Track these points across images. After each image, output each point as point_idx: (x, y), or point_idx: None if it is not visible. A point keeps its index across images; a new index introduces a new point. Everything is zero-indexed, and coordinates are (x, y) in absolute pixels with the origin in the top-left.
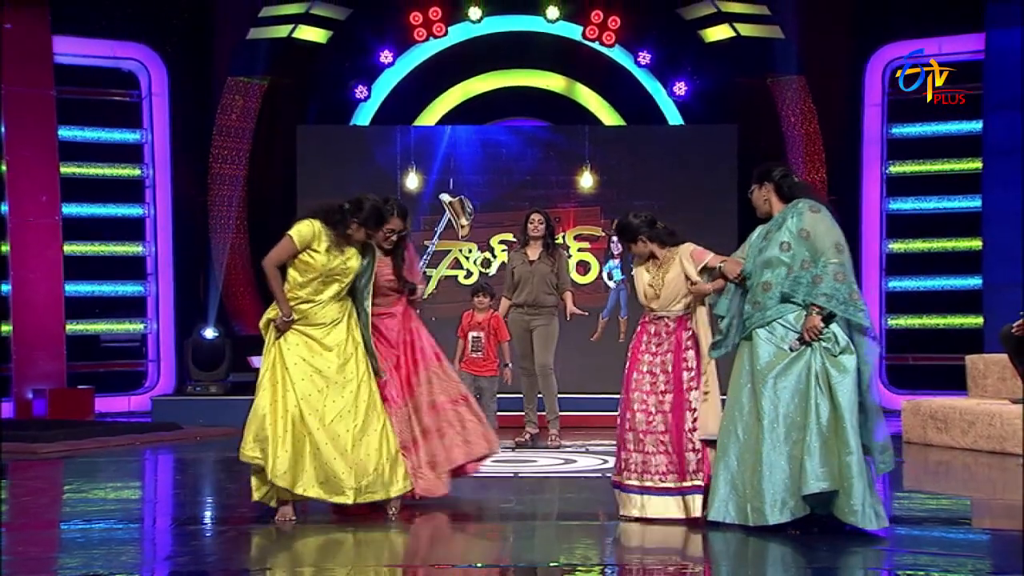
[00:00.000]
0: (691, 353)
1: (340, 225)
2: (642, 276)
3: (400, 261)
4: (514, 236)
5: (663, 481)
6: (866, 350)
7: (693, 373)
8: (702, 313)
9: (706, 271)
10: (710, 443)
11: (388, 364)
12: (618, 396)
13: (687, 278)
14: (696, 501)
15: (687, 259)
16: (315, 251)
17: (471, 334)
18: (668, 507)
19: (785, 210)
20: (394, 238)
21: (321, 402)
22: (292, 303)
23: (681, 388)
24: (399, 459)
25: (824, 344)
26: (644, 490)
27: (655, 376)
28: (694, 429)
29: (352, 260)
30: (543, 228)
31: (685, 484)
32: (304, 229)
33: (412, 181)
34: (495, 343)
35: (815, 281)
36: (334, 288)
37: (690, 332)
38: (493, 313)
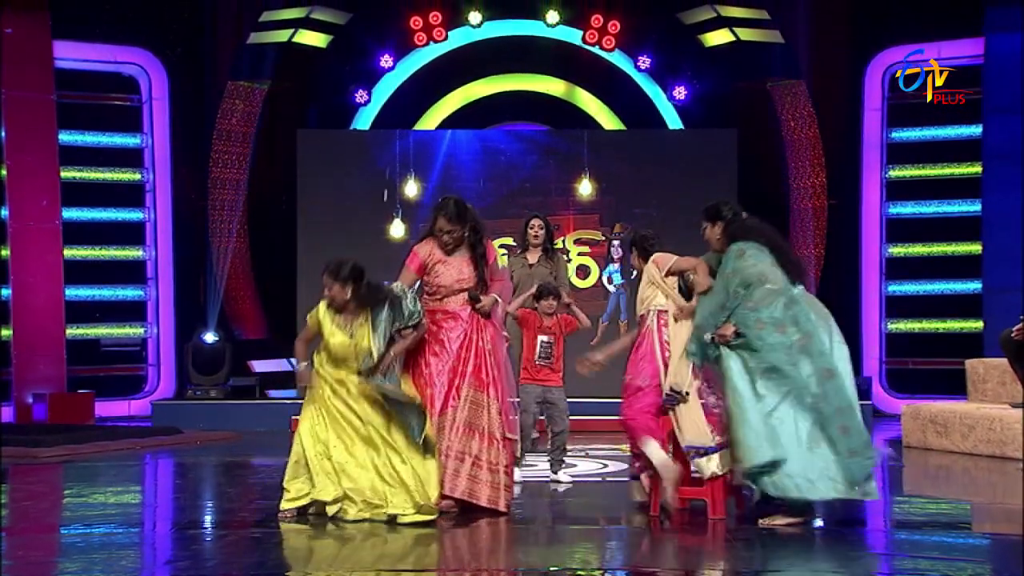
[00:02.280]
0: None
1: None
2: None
3: (480, 261)
4: (514, 240)
5: None
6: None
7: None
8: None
9: (677, 274)
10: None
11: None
12: (617, 400)
13: (651, 283)
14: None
15: (649, 268)
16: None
17: (540, 338)
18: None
19: (727, 251)
20: (446, 239)
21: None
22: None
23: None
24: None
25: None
26: None
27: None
28: None
29: (364, 340)
30: (543, 234)
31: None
32: (314, 312)
33: (412, 186)
34: (563, 348)
35: (749, 308)
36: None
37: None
38: (561, 314)
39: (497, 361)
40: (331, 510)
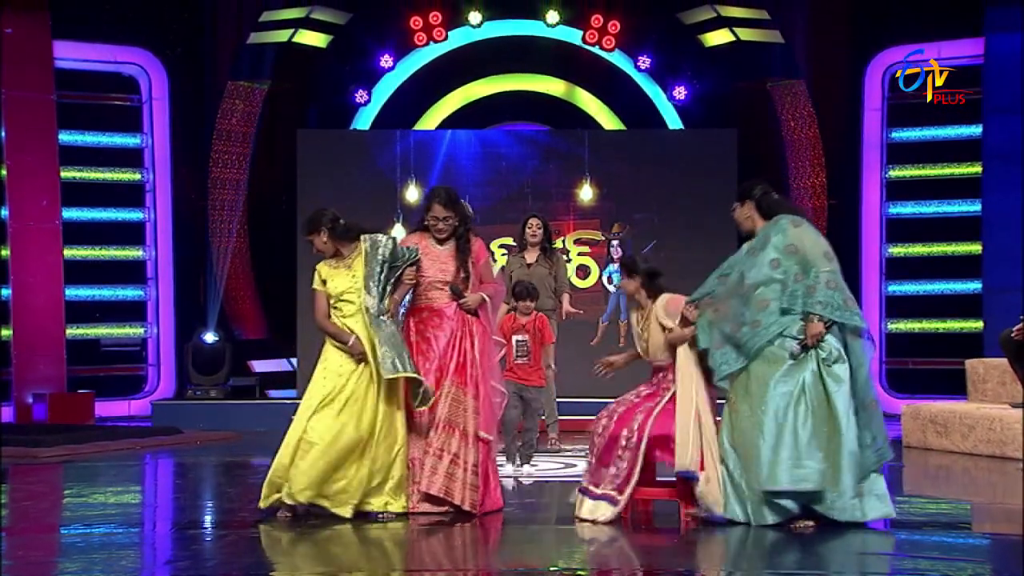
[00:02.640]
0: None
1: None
2: (632, 321)
3: (463, 255)
4: (513, 240)
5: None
6: (861, 350)
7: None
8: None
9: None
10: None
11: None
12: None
13: (663, 328)
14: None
15: (661, 311)
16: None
17: (515, 338)
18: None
19: (767, 227)
20: (440, 226)
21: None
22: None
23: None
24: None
25: (821, 354)
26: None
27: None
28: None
29: (359, 271)
30: (541, 233)
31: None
32: (315, 278)
33: (412, 186)
34: (540, 347)
35: (809, 291)
36: (351, 306)
37: None
38: (538, 315)
39: (482, 361)
40: (303, 497)
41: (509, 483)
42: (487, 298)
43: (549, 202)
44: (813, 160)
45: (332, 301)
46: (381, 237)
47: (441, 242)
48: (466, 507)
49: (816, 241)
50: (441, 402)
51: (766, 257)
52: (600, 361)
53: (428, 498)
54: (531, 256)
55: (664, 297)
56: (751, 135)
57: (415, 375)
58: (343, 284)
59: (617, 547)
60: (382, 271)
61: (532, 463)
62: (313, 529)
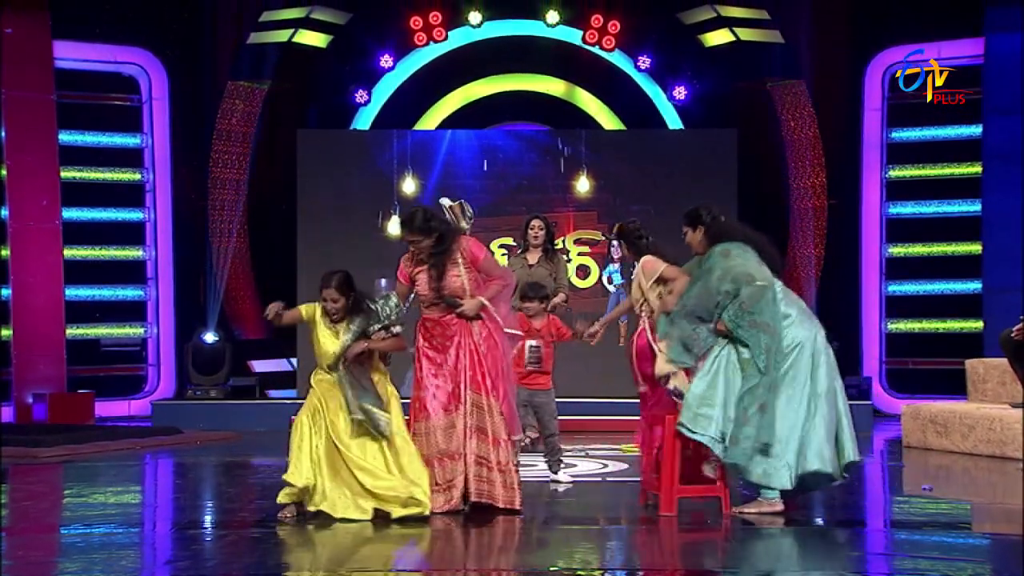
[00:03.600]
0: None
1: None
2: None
3: (436, 273)
4: (514, 240)
5: None
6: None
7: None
8: None
9: (662, 281)
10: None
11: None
12: (617, 400)
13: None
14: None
15: (640, 271)
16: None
17: (528, 343)
18: None
19: (709, 253)
20: (415, 249)
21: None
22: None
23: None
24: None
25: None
26: None
27: None
28: None
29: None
30: (543, 235)
31: None
32: (310, 309)
33: (411, 185)
34: (552, 349)
35: (743, 307)
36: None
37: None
38: (550, 316)
39: (495, 362)
40: (312, 504)
41: (537, 486)
42: (486, 301)
43: (548, 197)
44: (813, 160)
45: (315, 353)
46: (387, 304)
47: (425, 261)
48: (516, 506)
49: (742, 268)
50: (468, 411)
51: (711, 284)
52: (586, 335)
53: (475, 505)
54: (533, 257)
55: (643, 259)
56: (751, 135)
57: (374, 412)
58: (330, 355)
59: (617, 546)
60: (360, 328)
61: (565, 467)
62: (313, 529)
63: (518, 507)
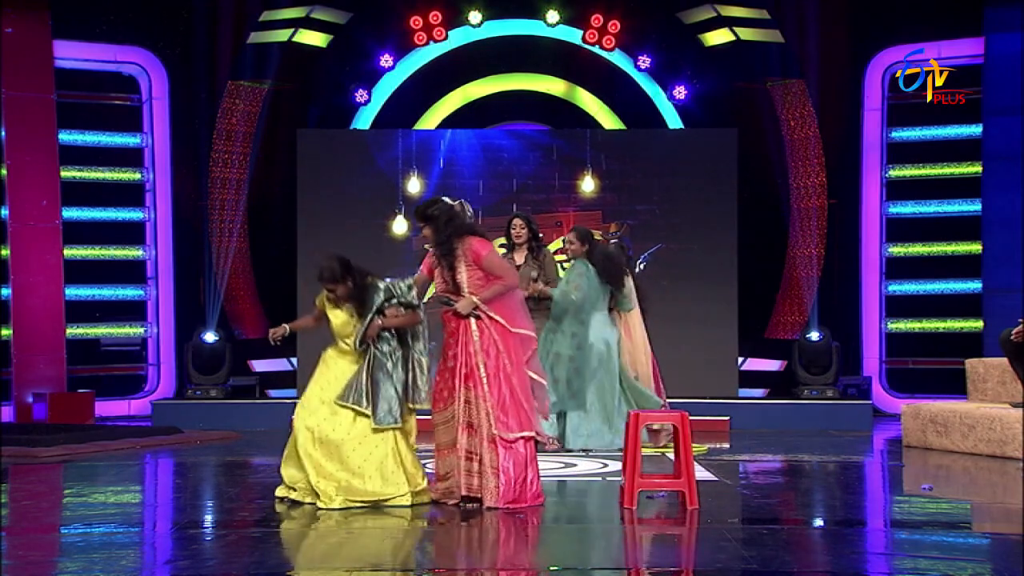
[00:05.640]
0: None
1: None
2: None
3: (446, 265)
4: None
5: None
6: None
7: None
8: None
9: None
10: None
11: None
12: None
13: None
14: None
15: None
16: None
17: None
18: None
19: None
20: (425, 242)
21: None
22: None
23: None
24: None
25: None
26: None
27: None
28: None
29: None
30: (526, 233)
31: None
32: (318, 300)
33: (412, 185)
34: None
35: None
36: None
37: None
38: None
39: (493, 359)
40: (307, 496)
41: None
42: (478, 300)
43: (548, 196)
44: (813, 160)
45: (334, 332)
46: (379, 289)
47: (435, 253)
48: (488, 502)
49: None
50: (460, 406)
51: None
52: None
53: (464, 497)
54: (519, 257)
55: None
56: (751, 135)
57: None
58: (342, 325)
59: (617, 546)
60: (375, 303)
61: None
62: (312, 529)
63: (500, 505)
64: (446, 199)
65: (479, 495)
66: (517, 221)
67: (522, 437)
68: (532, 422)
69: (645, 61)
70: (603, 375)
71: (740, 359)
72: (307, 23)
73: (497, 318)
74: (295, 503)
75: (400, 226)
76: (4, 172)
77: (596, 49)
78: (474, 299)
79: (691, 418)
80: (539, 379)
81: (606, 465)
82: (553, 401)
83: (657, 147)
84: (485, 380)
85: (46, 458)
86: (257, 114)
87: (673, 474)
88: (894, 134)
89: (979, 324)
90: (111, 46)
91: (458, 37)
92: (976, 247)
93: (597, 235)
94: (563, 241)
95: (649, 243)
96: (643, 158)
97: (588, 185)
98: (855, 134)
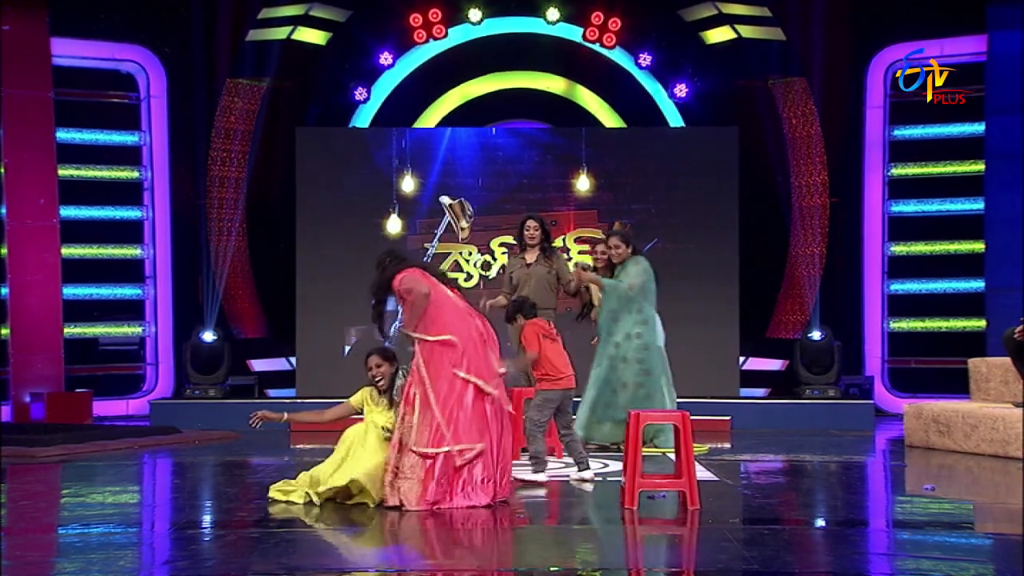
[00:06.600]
0: None
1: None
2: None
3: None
4: (514, 239)
5: None
6: None
7: None
8: None
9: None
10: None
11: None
12: None
13: None
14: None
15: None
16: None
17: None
18: None
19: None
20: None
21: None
22: None
23: None
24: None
25: None
26: None
27: None
28: None
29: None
30: (539, 234)
31: None
32: (354, 401)
33: (410, 183)
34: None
35: None
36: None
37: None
38: (522, 328)
39: (424, 376)
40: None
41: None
42: (405, 328)
43: (548, 195)
44: (815, 158)
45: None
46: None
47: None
48: (407, 506)
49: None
50: (399, 426)
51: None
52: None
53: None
54: (531, 256)
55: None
56: (752, 133)
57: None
58: (381, 420)
59: (617, 545)
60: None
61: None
62: (312, 529)
63: (408, 507)
64: (446, 198)
65: (395, 502)
66: (531, 222)
67: (425, 453)
68: (449, 438)
69: (646, 59)
70: (666, 376)
71: (741, 359)
72: (306, 20)
73: (417, 335)
74: (290, 503)
75: (394, 225)
76: (2, 170)
77: (596, 47)
78: (405, 330)
79: (692, 418)
80: (476, 379)
81: (606, 465)
82: (622, 404)
83: (658, 145)
84: (415, 394)
85: (44, 458)
86: (256, 112)
87: (674, 474)
88: (896, 132)
89: (982, 323)
90: (109, 44)
91: (458, 35)
92: (979, 246)
93: (599, 234)
94: (593, 248)
95: (646, 240)
96: (644, 156)
97: (587, 184)
98: (857, 132)
